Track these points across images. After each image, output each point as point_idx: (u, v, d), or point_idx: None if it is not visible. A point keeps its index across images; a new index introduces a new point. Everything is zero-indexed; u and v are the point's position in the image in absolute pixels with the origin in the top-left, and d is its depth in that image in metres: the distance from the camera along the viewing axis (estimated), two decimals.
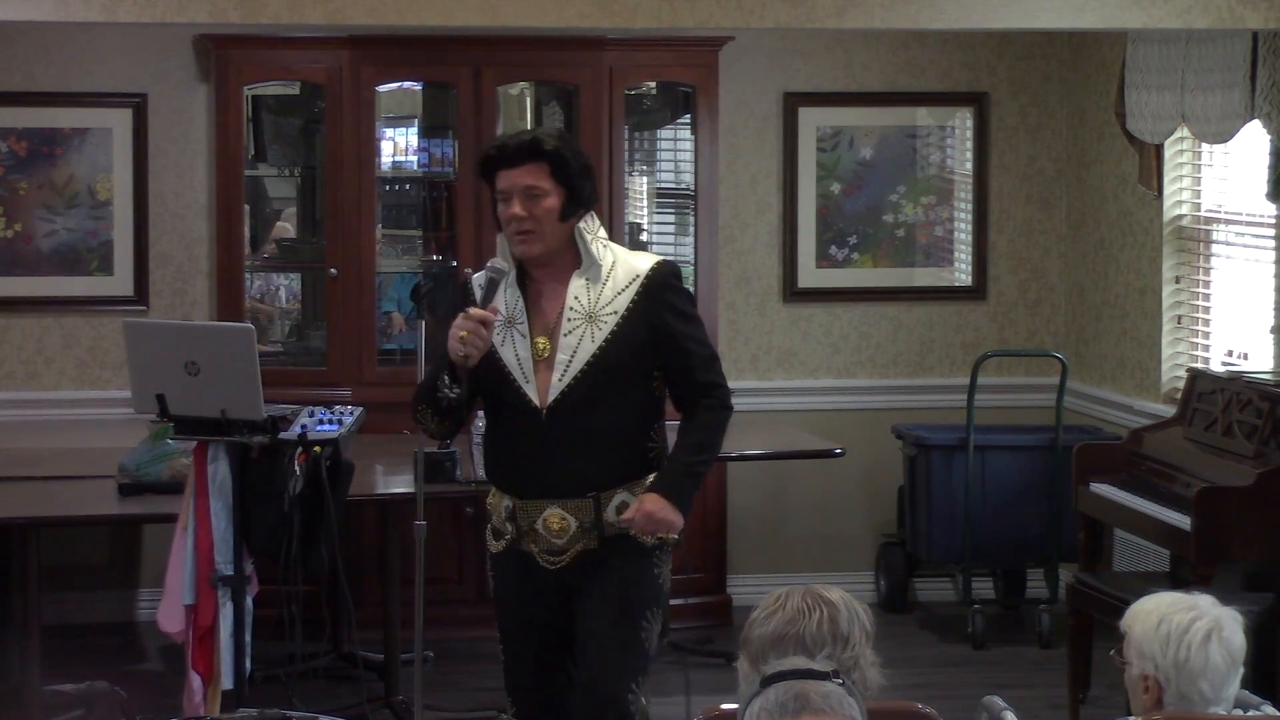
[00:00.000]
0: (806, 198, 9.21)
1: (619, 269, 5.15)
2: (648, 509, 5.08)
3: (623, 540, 5.13)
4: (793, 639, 3.46)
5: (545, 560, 5.17)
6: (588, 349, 5.08)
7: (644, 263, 5.20)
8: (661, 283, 5.15)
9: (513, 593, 5.26)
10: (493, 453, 5.31)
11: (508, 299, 5.17)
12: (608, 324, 5.10)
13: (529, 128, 5.31)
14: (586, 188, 5.14)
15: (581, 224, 5.15)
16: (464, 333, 5.03)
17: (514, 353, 5.13)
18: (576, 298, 5.12)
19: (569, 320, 5.11)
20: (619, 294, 5.12)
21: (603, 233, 5.23)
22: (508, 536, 5.25)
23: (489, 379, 5.15)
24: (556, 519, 5.13)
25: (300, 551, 6.40)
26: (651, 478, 5.16)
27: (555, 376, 5.08)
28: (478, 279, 5.25)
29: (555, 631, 5.23)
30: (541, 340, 5.11)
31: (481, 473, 7.10)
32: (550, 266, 5.15)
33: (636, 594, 5.16)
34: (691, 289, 9.00)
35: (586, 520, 5.12)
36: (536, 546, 5.18)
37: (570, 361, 5.08)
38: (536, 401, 5.09)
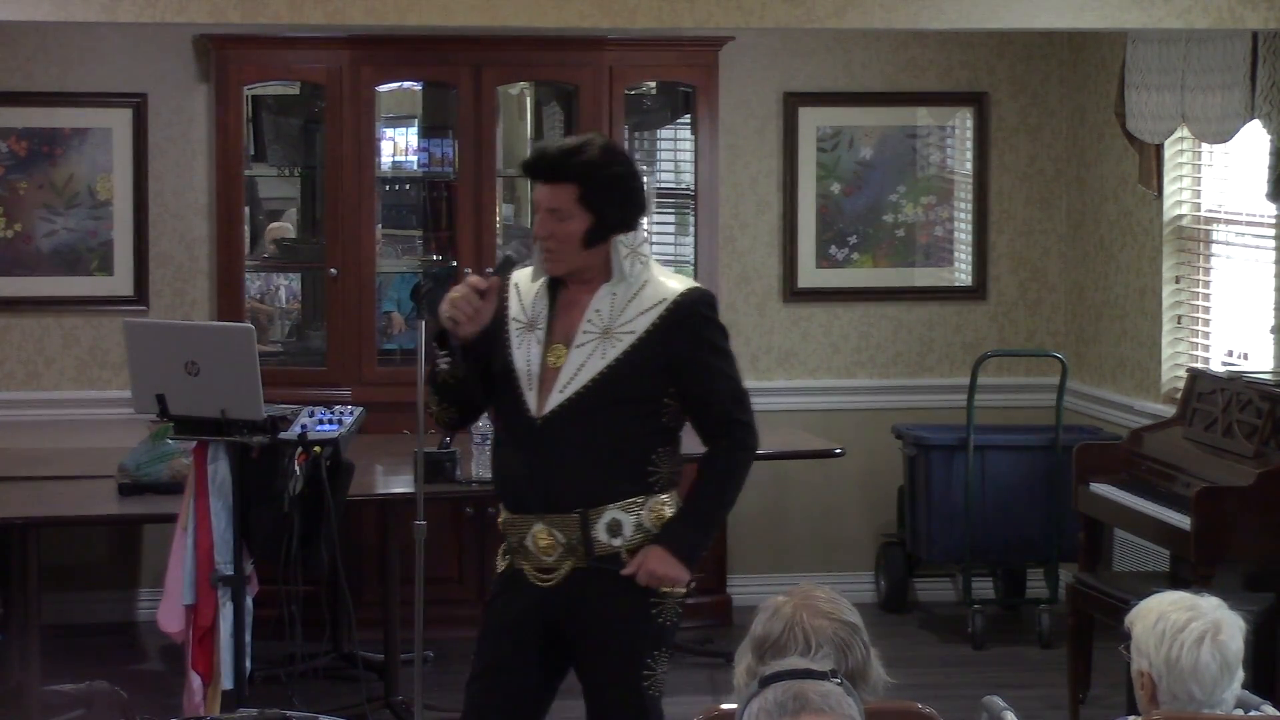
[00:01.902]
0: (806, 198, 9.21)
1: (649, 289, 4.96)
2: (650, 566, 4.91)
3: (617, 568, 4.94)
4: (835, 637, 3.43)
5: (536, 578, 4.99)
6: (596, 365, 4.91)
7: (676, 286, 4.99)
8: (690, 310, 4.95)
9: (503, 618, 5.05)
10: (495, 463, 5.15)
11: (535, 304, 5.00)
12: (622, 343, 4.92)
13: (574, 136, 5.02)
14: (616, 214, 4.92)
15: (620, 237, 4.94)
16: (456, 294, 4.90)
17: (526, 358, 4.96)
18: (598, 310, 4.95)
19: (584, 333, 4.93)
20: (642, 314, 4.93)
21: (646, 248, 5.02)
22: (508, 556, 5.07)
23: (500, 383, 4.99)
24: (544, 534, 4.94)
25: (300, 551, 6.39)
26: (650, 502, 4.97)
27: (558, 387, 4.92)
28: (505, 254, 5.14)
29: (529, 681, 5.02)
30: (558, 349, 4.95)
31: (480, 473, 7.12)
32: (582, 280, 4.98)
33: (635, 642, 4.97)
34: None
35: (573, 537, 4.93)
36: (529, 564, 5.00)
37: (576, 375, 4.92)
38: (534, 410, 4.93)
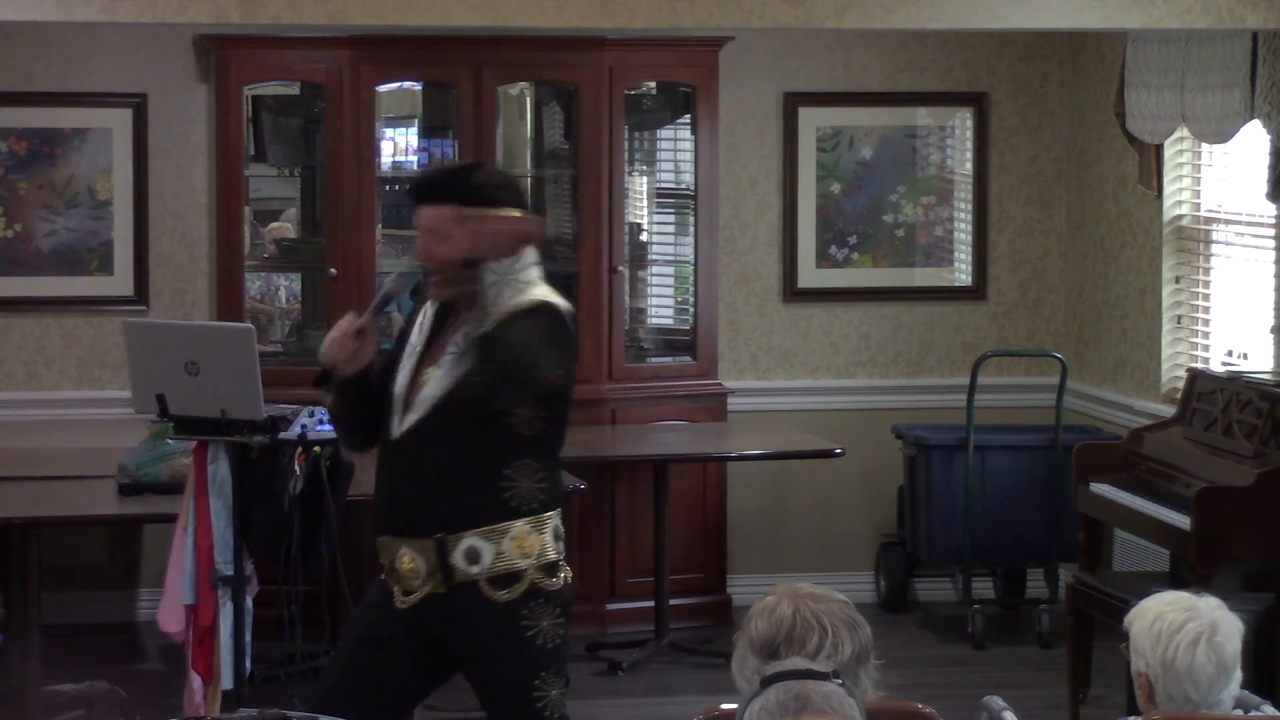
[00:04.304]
0: (806, 198, 9.21)
1: (508, 308, 4.87)
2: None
3: (476, 595, 4.89)
4: (844, 615, 3.41)
5: (400, 599, 4.98)
6: (441, 384, 4.89)
7: (531, 299, 4.89)
8: (526, 312, 4.85)
9: (378, 618, 5.05)
10: (375, 485, 5.13)
11: (423, 324, 5.01)
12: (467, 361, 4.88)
13: (462, 160, 5.01)
14: None
15: (492, 264, 4.86)
16: (333, 335, 4.95)
17: (402, 381, 4.97)
18: (465, 332, 4.91)
19: (448, 354, 4.92)
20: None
21: (530, 273, 4.92)
22: (384, 576, 5.07)
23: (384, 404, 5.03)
24: (407, 559, 4.94)
25: (300, 551, 6.39)
26: (514, 529, 4.88)
27: (414, 409, 4.92)
28: (390, 284, 5.16)
29: (399, 678, 5.03)
30: (428, 371, 4.94)
31: None
32: (469, 306, 4.95)
33: (514, 668, 4.90)
34: (690, 290, 9.02)
35: (431, 562, 4.90)
36: (398, 586, 5.00)
37: (429, 396, 4.91)
38: (394, 433, 4.94)
